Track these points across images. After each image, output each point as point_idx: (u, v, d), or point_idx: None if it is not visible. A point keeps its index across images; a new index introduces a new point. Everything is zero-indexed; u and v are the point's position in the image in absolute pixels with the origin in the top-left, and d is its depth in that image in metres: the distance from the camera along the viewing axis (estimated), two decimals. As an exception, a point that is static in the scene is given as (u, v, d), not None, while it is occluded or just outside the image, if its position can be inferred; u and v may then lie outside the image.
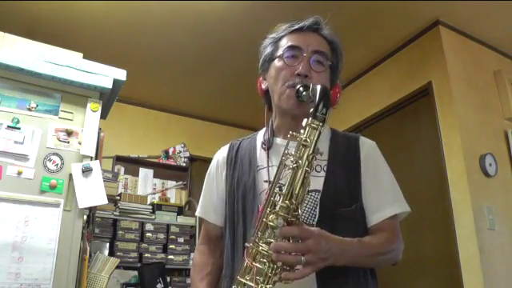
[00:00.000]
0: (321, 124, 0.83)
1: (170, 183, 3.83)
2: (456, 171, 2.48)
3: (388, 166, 1.07)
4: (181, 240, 3.24)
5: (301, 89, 0.94)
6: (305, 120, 0.84)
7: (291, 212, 0.80)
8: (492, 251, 2.34)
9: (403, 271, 2.58)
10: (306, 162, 0.81)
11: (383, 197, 1.01)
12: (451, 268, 2.38)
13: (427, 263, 2.56)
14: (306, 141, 0.82)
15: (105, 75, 1.76)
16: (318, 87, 0.86)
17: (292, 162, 0.82)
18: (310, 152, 0.82)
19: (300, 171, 0.81)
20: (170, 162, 3.90)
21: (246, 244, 0.85)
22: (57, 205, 1.55)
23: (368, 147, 1.06)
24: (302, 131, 0.84)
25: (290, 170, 0.82)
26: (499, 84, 2.88)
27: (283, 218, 0.80)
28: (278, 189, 0.83)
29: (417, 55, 2.88)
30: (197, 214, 1.21)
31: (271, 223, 0.81)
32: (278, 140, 1.07)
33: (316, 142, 0.82)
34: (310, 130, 0.83)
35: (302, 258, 0.77)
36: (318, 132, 0.83)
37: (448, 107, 2.60)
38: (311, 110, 0.84)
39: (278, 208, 0.81)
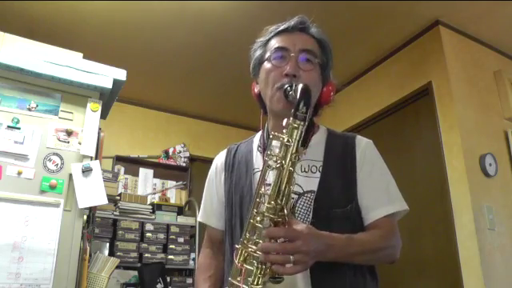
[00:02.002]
0: (302, 123, 0.81)
1: (170, 183, 3.83)
2: (456, 171, 2.48)
3: (385, 164, 1.07)
4: (181, 240, 3.24)
5: (288, 89, 0.93)
6: (285, 120, 0.84)
7: (277, 212, 0.80)
8: (492, 251, 2.34)
9: (403, 271, 2.58)
10: (290, 162, 0.81)
11: (379, 196, 1.00)
12: (451, 268, 2.38)
13: (427, 263, 2.56)
14: (288, 141, 0.82)
15: (105, 75, 1.76)
16: (299, 86, 0.85)
17: (275, 162, 0.82)
18: (293, 151, 0.81)
19: (284, 172, 0.81)
20: (170, 162, 3.90)
21: (236, 245, 0.85)
22: (57, 205, 1.55)
23: (364, 146, 1.06)
24: (284, 131, 0.83)
25: (275, 171, 0.82)
26: (499, 84, 2.88)
27: (270, 219, 0.80)
28: (264, 189, 0.83)
29: (417, 55, 2.88)
30: (199, 219, 1.22)
31: (258, 224, 0.81)
32: (274, 142, 1.07)
33: (298, 141, 0.82)
34: (291, 129, 0.82)
35: (291, 257, 0.77)
36: (299, 131, 0.82)
37: (448, 107, 2.60)
38: (292, 110, 0.83)
39: (264, 209, 0.81)
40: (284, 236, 0.79)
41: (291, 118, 0.82)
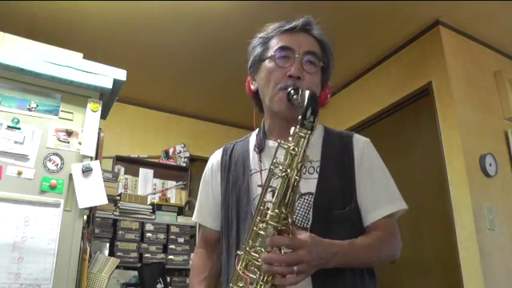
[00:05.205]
0: (309, 132, 0.81)
1: (170, 183, 3.84)
2: (456, 171, 2.47)
3: (383, 163, 1.06)
4: (181, 240, 3.24)
5: (292, 92, 0.92)
6: (292, 128, 0.82)
7: (281, 221, 0.79)
8: (492, 251, 2.34)
9: (403, 271, 2.58)
10: (295, 171, 0.80)
11: (378, 196, 0.99)
12: (451, 268, 2.38)
13: (427, 263, 2.56)
14: (294, 149, 0.81)
15: (105, 75, 1.76)
16: (307, 93, 0.83)
17: (281, 170, 0.81)
18: (299, 160, 0.80)
19: (289, 180, 0.80)
20: (170, 162, 3.90)
21: (238, 252, 0.85)
22: (57, 205, 1.55)
23: (362, 145, 1.05)
24: (290, 139, 0.82)
25: (280, 179, 0.81)
26: (499, 84, 2.87)
27: (273, 227, 0.79)
28: (269, 196, 0.82)
29: (417, 55, 2.88)
30: (193, 219, 1.21)
31: (261, 232, 0.80)
32: (270, 142, 1.06)
33: (305, 150, 0.81)
34: (297, 138, 0.81)
35: (295, 268, 0.77)
36: (306, 140, 0.81)
37: (448, 107, 2.60)
38: (299, 117, 0.81)
39: (267, 217, 0.80)
40: (287, 245, 0.79)
41: (298, 127, 0.81)
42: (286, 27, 1.04)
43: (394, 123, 3.03)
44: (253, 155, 1.08)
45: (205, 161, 1.28)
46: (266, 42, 1.06)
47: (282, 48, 1.01)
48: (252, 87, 1.10)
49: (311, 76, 1.00)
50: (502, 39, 2.93)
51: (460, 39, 2.82)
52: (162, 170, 3.84)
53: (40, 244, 1.48)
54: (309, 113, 0.80)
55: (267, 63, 1.03)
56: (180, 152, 3.97)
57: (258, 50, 1.07)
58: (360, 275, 0.95)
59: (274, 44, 1.03)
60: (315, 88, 1.00)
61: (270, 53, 1.03)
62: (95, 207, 1.79)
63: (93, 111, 1.71)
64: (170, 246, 3.19)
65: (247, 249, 0.82)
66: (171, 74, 3.50)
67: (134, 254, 3.02)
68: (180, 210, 3.37)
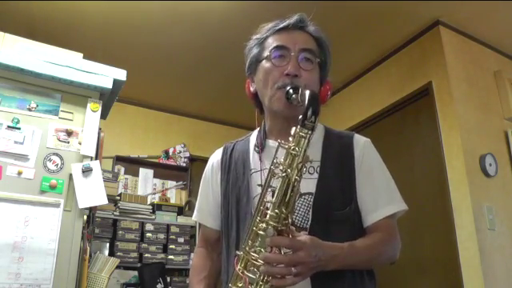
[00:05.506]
0: (310, 132, 0.80)
1: (170, 183, 3.84)
2: (456, 171, 2.47)
3: (384, 163, 1.05)
4: (181, 240, 3.24)
5: (290, 91, 0.92)
6: (293, 129, 0.82)
7: (281, 221, 0.79)
8: (492, 251, 2.34)
9: (403, 271, 2.58)
10: (296, 171, 0.80)
11: (378, 197, 0.99)
12: (451, 268, 2.38)
13: (427, 263, 2.56)
14: (294, 149, 0.80)
15: (105, 75, 1.76)
16: (307, 93, 0.83)
17: (281, 170, 0.80)
18: (300, 160, 0.80)
19: (289, 180, 0.79)
20: (170, 162, 3.91)
21: (237, 252, 0.85)
22: (57, 205, 1.55)
23: (362, 145, 1.04)
24: (290, 139, 0.82)
25: (280, 179, 0.80)
26: (499, 84, 2.88)
27: (273, 227, 0.79)
28: (269, 196, 0.82)
29: (417, 55, 2.88)
30: (193, 218, 1.21)
31: (261, 232, 0.80)
32: (271, 142, 1.06)
33: (305, 150, 0.80)
34: (298, 138, 0.81)
35: (293, 269, 0.76)
36: (306, 140, 0.80)
37: (448, 107, 2.60)
38: (300, 116, 0.81)
39: (267, 217, 0.80)
40: (287, 245, 0.78)
41: (298, 127, 0.81)
42: (280, 26, 1.04)
43: (393, 123, 3.03)
44: (253, 155, 1.08)
45: (205, 161, 1.28)
46: (261, 43, 1.06)
47: (277, 47, 1.01)
48: (251, 89, 1.10)
49: (308, 73, 1.00)
50: (502, 39, 2.93)
51: (460, 39, 2.82)
52: (162, 170, 3.84)
53: (40, 244, 1.48)
54: (310, 113, 0.80)
55: (264, 64, 1.03)
56: (180, 152, 3.97)
57: (254, 51, 1.07)
58: (360, 276, 0.95)
59: (270, 44, 1.03)
60: (313, 85, 1.00)
61: (266, 53, 1.03)
62: (95, 207, 1.79)
63: (93, 111, 1.71)
64: (170, 246, 3.19)
65: (247, 249, 0.82)
66: (171, 74, 3.50)
67: (134, 254, 3.02)
68: (180, 210, 3.37)
